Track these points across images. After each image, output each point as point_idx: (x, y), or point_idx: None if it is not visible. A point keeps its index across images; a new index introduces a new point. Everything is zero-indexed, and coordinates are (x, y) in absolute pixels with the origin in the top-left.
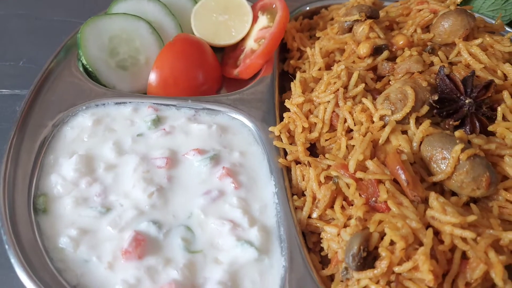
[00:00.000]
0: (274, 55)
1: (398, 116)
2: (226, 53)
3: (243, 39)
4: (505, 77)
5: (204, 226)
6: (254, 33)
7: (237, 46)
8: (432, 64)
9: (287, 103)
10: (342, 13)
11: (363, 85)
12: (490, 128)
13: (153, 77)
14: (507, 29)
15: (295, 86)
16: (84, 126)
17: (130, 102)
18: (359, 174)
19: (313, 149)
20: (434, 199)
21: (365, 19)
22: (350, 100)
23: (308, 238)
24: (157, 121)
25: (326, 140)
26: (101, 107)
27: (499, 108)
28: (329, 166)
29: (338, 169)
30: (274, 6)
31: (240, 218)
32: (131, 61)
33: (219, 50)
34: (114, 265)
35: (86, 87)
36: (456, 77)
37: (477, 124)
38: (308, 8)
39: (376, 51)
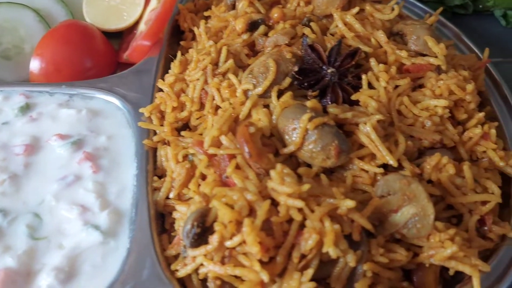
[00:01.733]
0: (165, 36)
1: (259, 89)
2: (123, 38)
3: (137, 23)
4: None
5: (54, 212)
6: (145, 15)
7: (132, 30)
8: (303, 36)
9: (159, 83)
10: None
11: (231, 61)
12: (353, 97)
13: (33, 65)
14: (409, 1)
15: (174, 66)
16: None
17: (1, 91)
18: (211, 150)
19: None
20: (276, 170)
21: None
22: (220, 76)
23: (166, 220)
24: (26, 108)
25: (196, 119)
26: None
27: (363, 76)
28: None
29: (195, 146)
30: None
31: (92, 202)
32: (15, 50)
33: (117, 36)
34: None
35: None
36: (319, 47)
37: (341, 94)
38: None
39: (253, 26)
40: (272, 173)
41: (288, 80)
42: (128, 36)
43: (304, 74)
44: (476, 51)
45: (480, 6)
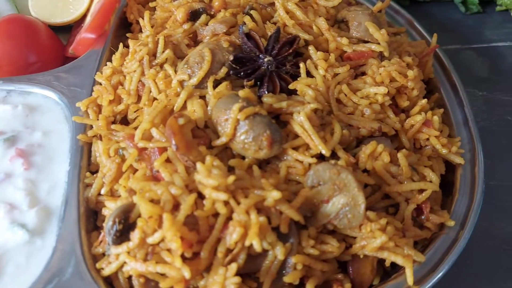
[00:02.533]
0: (111, 28)
1: (194, 80)
2: (72, 32)
3: (86, 15)
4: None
5: None
6: (92, 7)
7: (80, 23)
8: (244, 24)
9: (97, 76)
10: None
11: (168, 51)
12: (291, 86)
13: None
14: None
15: (115, 58)
16: None
17: None
18: (141, 143)
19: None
20: (202, 164)
21: None
22: (157, 67)
23: (99, 217)
24: None
25: (134, 111)
26: None
27: (301, 65)
28: None
29: (126, 140)
30: None
31: (21, 200)
32: None
33: (68, 30)
34: None
35: None
36: (256, 35)
37: (278, 83)
38: None
39: (194, 15)
40: (199, 165)
41: (224, 70)
42: (76, 30)
43: (241, 63)
44: (428, 37)
45: None
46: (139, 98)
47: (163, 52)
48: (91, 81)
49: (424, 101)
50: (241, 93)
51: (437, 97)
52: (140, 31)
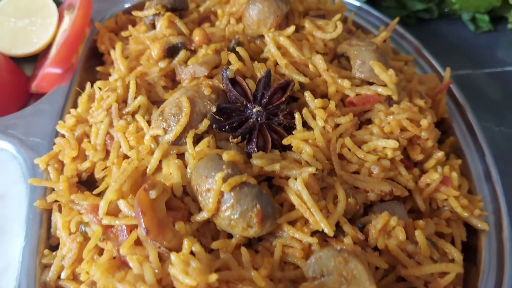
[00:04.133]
0: (80, 60)
1: (170, 136)
2: (37, 63)
3: (51, 45)
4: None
5: None
6: (58, 36)
7: (46, 53)
8: (229, 64)
9: (59, 126)
10: (147, 5)
11: (141, 98)
12: (285, 141)
13: None
14: (364, 9)
15: (81, 101)
16: None
17: None
18: (105, 220)
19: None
20: (177, 254)
21: (165, 13)
22: (129, 116)
23: None
24: None
25: (102, 170)
26: None
27: (297, 115)
28: None
29: (89, 213)
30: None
31: None
32: None
33: (33, 60)
34: None
35: None
36: (242, 81)
37: (270, 137)
38: (128, 5)
39: (172, 51)
40: (173, 256)
41: (206, 123)
42: (42, 61)
43: (226, 114)
44: (437, 66)
45: (446, 10)
46: (107, 153)
47: (135, 98)
48: (53, 129)
49: (441, 154)
50: (225, 156)
51: (453, 141)
52: (113, 63)
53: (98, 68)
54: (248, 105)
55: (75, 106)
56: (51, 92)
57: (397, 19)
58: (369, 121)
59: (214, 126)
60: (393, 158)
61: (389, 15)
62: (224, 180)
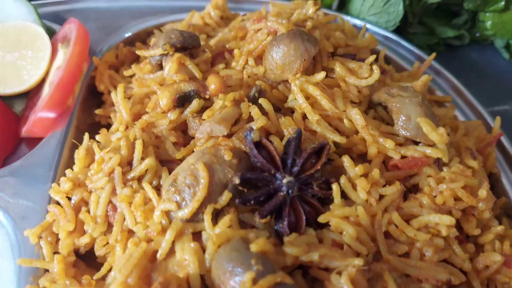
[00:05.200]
0: (77, 100)
1: (185, 212)
2: (28, 101)
3: (44, 81)
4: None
5: None
6: (51, 72)
7: (39, 90)
8: (251, 119)
9: (52, 191)
10: (152, 42)
11: (150, 160)
12: (322, 219)
13: None
14: (392, 39)
15: (78, 158)
16: None
17: None
18: None
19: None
20: None
21: (174, 53)
22: (135, 183)
23: None
24: None
25: (103, 245)
26: None
27: (334, 186)
28: None
29: None
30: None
31: None
32: None
33: (24, 96)
34: None
35: None
36: (270, 146)
37: (303, 212)
38: (128, 34)
39: (183, 100)
40: None
41: (227, 196)
42: (33, 100)
43: (250, 184)
44: (478, 107)
45: (478, 35)
46: (109, 224)
47: (141, 159)
48: (47, 191)
49: (501, 228)
50: (253, 247)
51: (505, 202)
52: (113, 104)
53: (97, 111)
54: (277, 174)
55: (71, 159)
56: (44, 142)
57: (433, 55)
58: (415, 187)
59: (237, 201)
60: (447, 235)
61: (417, 42)
62: (255, 281)
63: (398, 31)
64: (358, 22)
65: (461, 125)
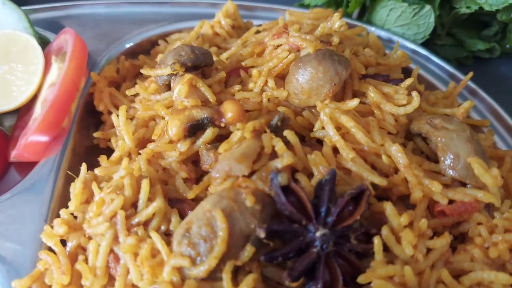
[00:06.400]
0: (73, 120)
1: (201, 271)
2: (17, 120)
3: (35, 98)
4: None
5: None
6: (44, 89)
7: (30, 108)
8: (274, 154)
9: (44, 235)
10: (158, 59)
11: (158, 201)
12: (362, 279)
13: None
14: (421, 54)
15: (74, 193)
16: None
17: None
18: None
19: None
20: None
21: (184, 73)
22: (140, 229)
23: None
24: None
25: None
26: None
27: (376, 240)
28: None
29: None
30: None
31: None
32: None
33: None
34: None
35: None
36: (299, 190)
37: (340, 271)
38: (130, 44)
39: (195, 128)
40: None
41: (250, 251)
42: (25, 117)
43: (278, 236)
44: None
45: (508, 46)
46: (110, 277)
47: (147, 202)
48: (38, 233)
49: None
50: None
51: None
52: (113, 126)
53: (96, 134)
54: (309, 226)
55: (67, 189)
56: (35, 170)
57: (470, 74)
58: (463, 236)
59: (262, 258)
60: None
61: (444, 55)
62: None
63: (425, 43)
64: (382, 33)
65: (508, 157)
